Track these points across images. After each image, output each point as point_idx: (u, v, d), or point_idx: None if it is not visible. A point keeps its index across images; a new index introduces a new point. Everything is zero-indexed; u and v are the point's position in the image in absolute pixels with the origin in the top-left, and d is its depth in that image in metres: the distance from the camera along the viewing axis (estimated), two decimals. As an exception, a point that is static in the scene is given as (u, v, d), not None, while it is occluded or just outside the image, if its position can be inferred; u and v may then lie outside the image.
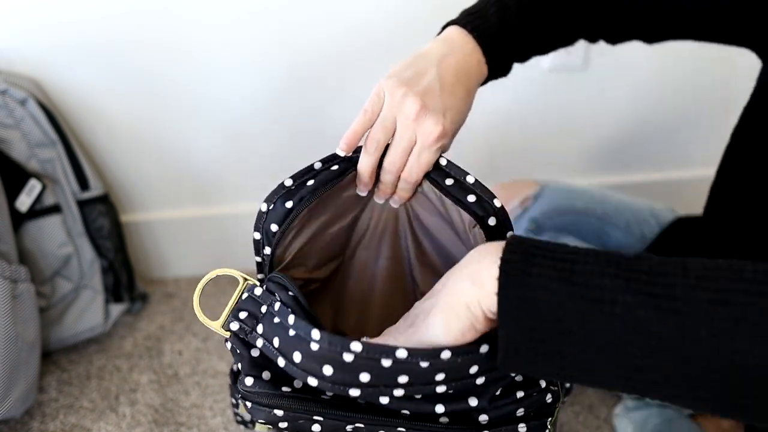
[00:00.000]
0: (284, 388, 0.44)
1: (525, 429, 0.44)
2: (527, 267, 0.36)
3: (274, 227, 0.49)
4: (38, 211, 0.92)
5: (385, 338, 0.44)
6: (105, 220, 0.98)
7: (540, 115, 1.06)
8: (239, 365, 0.46)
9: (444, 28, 0.58)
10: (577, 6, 0.63)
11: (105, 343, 1.02)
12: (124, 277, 1.02)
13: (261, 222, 0.50)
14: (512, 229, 0.49)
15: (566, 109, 1.06)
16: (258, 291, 0.47)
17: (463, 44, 0.55)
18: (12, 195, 0.88)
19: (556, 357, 0.36)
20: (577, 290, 0.35)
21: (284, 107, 0.99)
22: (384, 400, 0.41)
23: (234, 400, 0.68)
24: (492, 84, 0.62)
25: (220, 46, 0.92)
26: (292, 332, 0.42)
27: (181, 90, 0.96)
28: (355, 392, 0.40)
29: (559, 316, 0.35)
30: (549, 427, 0.47)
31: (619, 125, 1.10)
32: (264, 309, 0.45)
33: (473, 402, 0.43)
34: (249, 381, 0.45)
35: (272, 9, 0.90)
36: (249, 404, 0.44)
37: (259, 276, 0.52)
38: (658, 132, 1.11)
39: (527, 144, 1.09)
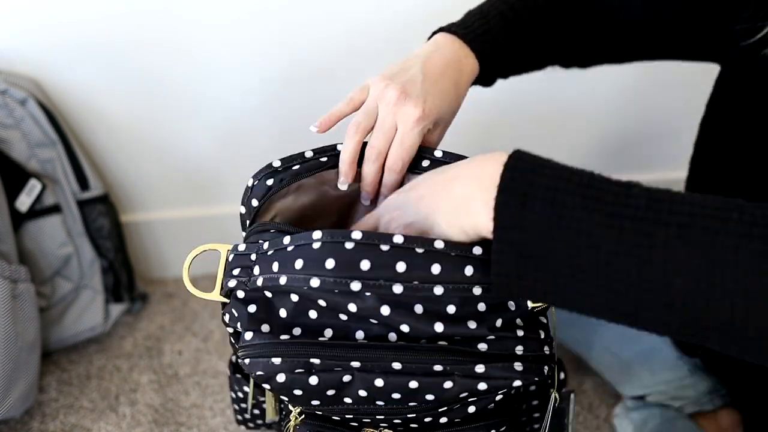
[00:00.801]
0: (283, 336, 0.45)
1: (521, 368, 0.44)
2: (521, 212, 0.38)
3: (254, 202, 0.51)
4: (38, 211, 0.92)
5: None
6: (105, 220, 0.98)
7: (539, 115, 1.06)
8: (238, 325, 0.47)
9: (431, 37, 0.61)
10: (548, 31, 0.65)
11: (105, 343, 1.02)
12: (124, 277, 1.02)
13: (246, 196, 0.52)
14: None
15: (564, 109, 1.06)
16: (242, 246, 0.48)
17: (449, 43, 0.58)
18: (12, 195, 0.88)
19: (544, 285, 0.39)
20: (564, 236, 0.37)
21: (284, 107, 0.99)
22: (385, 309, 0.43)
23: (234, 395, 0.68)
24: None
25: (220, 46, 0.92)
26: (290, 248, 0.44)
27: (181, 90, 0.96)
28: (356, 285, 0.41)
29: (548, 256, 0.38)
30: (554, 394, 0.48)
31: (617, 125, 1.10)
32: (254, 257, 0.46)
33: (472, 325, 0.44)
34: (248, 335, 0.46)
35: (272, 9, 0.90)
36: (247, 361, 0.45)
37: None
38: (656, 132, 1.11)
39: (526, 144, 1.09)
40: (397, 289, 0.41)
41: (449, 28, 0.60)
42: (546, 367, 0.45)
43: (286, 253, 0.44)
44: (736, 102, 0.63)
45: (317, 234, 0.42)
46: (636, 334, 0.82)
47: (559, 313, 0.88)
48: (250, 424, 0.73)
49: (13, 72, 0.92)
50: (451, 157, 0.52)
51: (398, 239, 0.41)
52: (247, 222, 0.52)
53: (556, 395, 0.50)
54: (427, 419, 0.49)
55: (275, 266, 0.44)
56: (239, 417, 0.72)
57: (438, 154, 0.52)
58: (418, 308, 0.44)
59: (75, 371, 0.97)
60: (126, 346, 1.02)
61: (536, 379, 0.45)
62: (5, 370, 0.79)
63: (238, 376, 0.65)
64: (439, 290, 0.41)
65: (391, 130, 0.52)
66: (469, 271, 0.42)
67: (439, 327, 0.44)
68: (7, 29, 0.88)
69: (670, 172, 1.16)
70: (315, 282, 0.41)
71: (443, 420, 0.49)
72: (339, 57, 0.95)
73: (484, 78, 0.62)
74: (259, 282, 0.44)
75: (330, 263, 0.41)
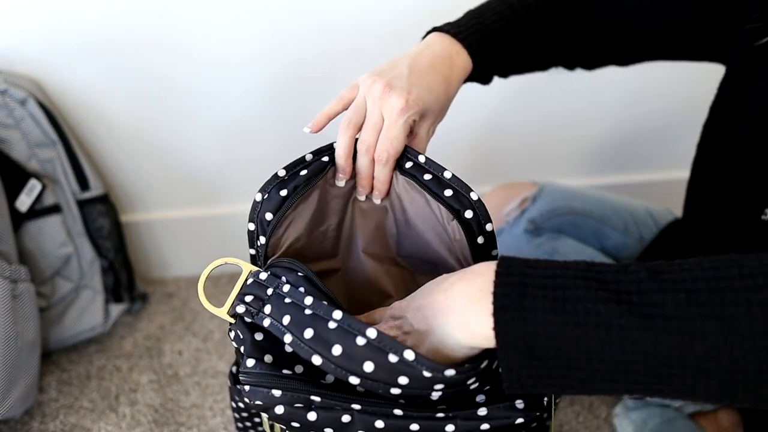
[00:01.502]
0: (285, 371, 0.45)
1: (523, 405, 0.44)
2: (522, 300, 0.36)
3: (268, 216, 0.50)
4: (38, 211, 0.92)
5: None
6: (105, 220, 0.98)
7: (539, 116, 1.06)
8: (242, 348, 0.46)
9: (425, 36, 0.61)
10: (551, 32, 0.65)
11: (105, 343, 1.02)
12: (124, 277, 1.02)
13: (255, 212, 0.51)
14: (490, 221, 0.50)
15: (565, 110, 1.06)
16: (263, 276, 0.47)
17: (440, 40, 0.59)
18: (12, 195, 0.88)
19: (559, 380, 0.37)
20: (572, 318, 0.35)
21: (284, 107, 0.99)
22: (395, 390, 0.42)
23: (234, 405, 0.68)
24: (491, 85, 0.62)
25: (220, 46, 0.92)
26: (308, 311, 0.43)
27: (181, 90, 0.96)
28: (354, 380, 0.41)
29: (558, 344, 0.36)
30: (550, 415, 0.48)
31: (617, 126, 1.10)
32: (270, 291, 0.46)
33: (473, 384, 0.44)
34: (250, 362, 0.45)
35: (272, 9, 0.90)
36: (247, 387, 0.45)
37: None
38: (656, 133, 1.11)
39: (526, 145, 1.09)
40: (395, 391, 0.41)
41: (442, 28, 0.60)
42: (546, 398, 0.45)
43: (300, 315, 0.43)
44: (743, 102, 0.63)
45: (337, 314, 0.42)
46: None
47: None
48: (251, 431, 0.72)
49: (13, 72, 0.92)
50: (432, 166, 0.52)
51: (409, 356, 0.40)
52: (260, 237, 0.51)
53: (553, 423, 0.49)
54: None
55: (286, 319, 0.44)
56: (239, 425, 0.72)
57: (421, 159, 0.52)
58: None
59: (75, 371, 0.97)
60: (126, 346, 1.02)
61: (537, 414, 0.44)
62: (5, 370, 0.79)
63: (239, 387, 0.65)
64: (436, 395, 0.41)
65: (379, 123, 0.53)
66: (472, 383, 0.42)
67: (435, 395, 0.43)
68: (7, 29, 0.88)
69: (671, 172, 1.16)
70: (317, 359, 0.41)
71: None
72: (339, 57, 0.95)
73: (480, 75, 0.62)
74: (266, 323, 0.44)
75: (336, 350, 0.41)
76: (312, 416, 0.45)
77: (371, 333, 0.41)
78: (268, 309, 0.45)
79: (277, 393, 0.44)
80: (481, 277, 0.39)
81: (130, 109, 0.97)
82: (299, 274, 0.47)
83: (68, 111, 0.97)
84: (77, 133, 0.99)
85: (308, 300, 0.44)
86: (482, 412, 0.43)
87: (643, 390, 0.36)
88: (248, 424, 0.70)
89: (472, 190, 0.50)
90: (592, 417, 0.89)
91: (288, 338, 0.43)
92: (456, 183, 0.50)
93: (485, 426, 0.44)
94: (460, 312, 0.40)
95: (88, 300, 0.97)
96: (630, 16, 0.66)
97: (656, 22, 0.66)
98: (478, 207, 0.50)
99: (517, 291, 0.37)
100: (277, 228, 0.51)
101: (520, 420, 0.44)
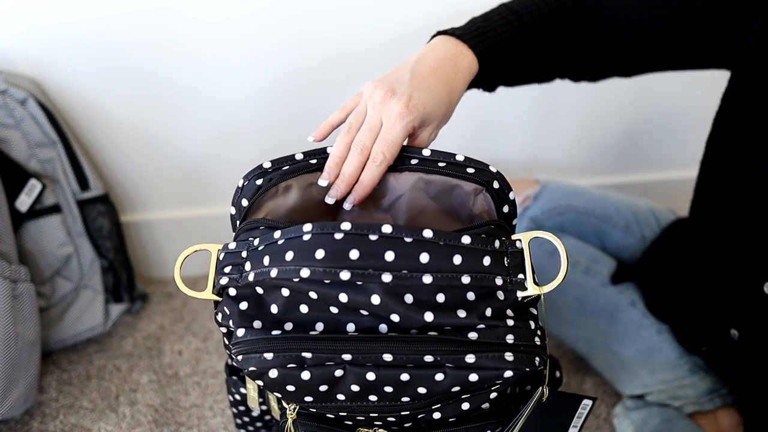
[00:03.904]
0: (274, 332, 0.46)
1: (512, 358, 0.44)
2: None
3: (244, 202, 0.52)
4: (38, 211, 0.92)
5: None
6: (105, 220, 0.98)
7: (540, 114, 1.06)
8: (230, 323, 0.47)
9: (430, 40, 0.61)
10: (556, 40, 0.65)
11: (105, 343, 1.02)
12: (124, 277, 1.02)
13: (236, 197, 0.52)
14: (511, 189, 0.52)
15: (566, 108, 1.06)
16: (232, 245, 0.48)
17: (444, 42, 0.59)
18: (12, 195, 0.88)
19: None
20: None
21: (285, 107, 0.99)
22: (375, 298, 0.43)
23: (231, 398, 0.68)
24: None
25: (220, 47, 0.92)
26: (281, 241, 0.45)
27: (180, 90, 0.96)
28: (345, 275, 0.42)
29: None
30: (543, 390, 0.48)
31: (619, 125, 1.10)
32: (245, 254, 0.47)
33: (462, 314, 0.44)
34: (241, 332, 0.46)
35: (273, 10, 0.90)
36: (240, 357, 0.45)
37: None
38: (658, 132, 1.11)
39: (528, 143, 1.09)
40: (386, 278, 0.42)
41: (446, 31, 0.60)
42: (537, 359, 0.45)
43: (276, 247, 0.44)
44: (751, 105, 0.62)
45: (307, 226, 0.43)
46: (636, 334, 0.82)
47: (560, 313, 0.88)
48: (250, 428, 0.72)
49: (13, 72, 0.92)
50: (440, 155, 0.52)
51: (387, 229, 0.42)
52: (237, 222, 0.53)
53: (545, 390, 0.50)
54: (421, 415, 0.49)
55: (266, 260, 0.44)
56: (238, 421, 0.72)
57: (426, 153, 0.53)
58: (408, 298, 0.44)
59: (75, 371, 0.97)
60: (126, 346, 1.02)
61: (527, 369, 0.44)
62: (5, 370, 0.79)
63: (235, 378, 0.65)
64: (427, 279, 0.42)
65: (377, 126, 0.53)
66: (457, 259, 0.43)
67: (429, 316, 0.44)
68: (7, 29, 0.88)
69: (671, 172, 1.16)
70: (305, 272, 0.42)
71: (437, 416, 0.49)
72: (339, 57, 0.95)
73: (485, 80, 0.62)
74: (251, 277, 0.45)
75: (320, 254, 0.42)
76: (306, 375, 0.45)
77: (345, 226, 0.43)
78: (248, 266, 0.46)
79: (269, 356, 0.45)
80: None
81: (131, 109, 0.97)
82: (260, 228, 0.48)
83: (68, 111, 0.97)
84: (77, 133, 0.99)
85: (277, 234, 0.45)
86: (470, 359, 0.44)
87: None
88: (246, 419, 0.70)
89: (489, 165, 0.52)
90: (593, 417, 0.89)
91: (274, 272, 0.43)
92: (472, 162, 0.52)
93: (474, 377, 0.44)
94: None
95: (88, 300, 0.97)
96: (631, 24, 0.66)
97: (658, 30, 0.66)
98: (500, 177, 0.51)
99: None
100: (252, 214, 0.52)
101: (509, 373, 0.44)
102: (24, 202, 0.89)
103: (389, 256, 0.42)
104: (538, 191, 0.92)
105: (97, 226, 0.97)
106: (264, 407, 0.66)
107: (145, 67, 0.93)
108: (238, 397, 0.67)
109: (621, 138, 1.11)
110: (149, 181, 1.06)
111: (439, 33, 0.61)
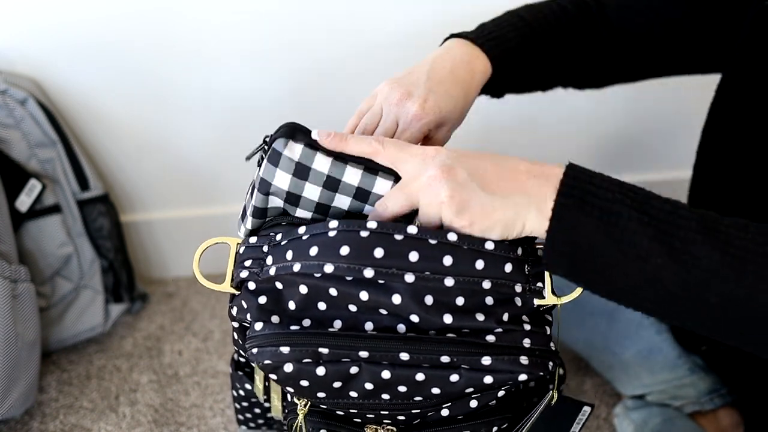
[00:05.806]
0: (292, 327, 0.46)
1: (527, 362, 0.44)
2: (578, 216, 0.41)
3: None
4: (38, 211, 0.92)
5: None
6: (105, 220, 0.98)
7: (541, 114, 1.06)
8: (247, 316, 0.47)
9: (443, 43, 0.61)
10: (562, 46, 0.66)
11: (105, 343, 1.02)
12: (124, 277, 1.02)
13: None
14: None
15: (567, 109, 1.06)
16: (253, 239, 0.48)
17: (460, 45, 0.58)
18: (12, 195, 0.88)
19: (587, 279, 0.43)
20: (617, 244, 0.40)
21: (285, 107, 0.99)
22: (396, 298, 0.43)
23: (235, 393, 0.68)
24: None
25: (221, 47, 0.92)
26: (306, 236, 0.45)
27: (181, 90, 0.96)
28: (369, 272, 0.42)
29: (598, 260, 0.41)
30: (553, 391, 0.49)
31: (619, 125, 1.10)
32: (266, 248, 0.47)
33: (480, 317, 0.44)
34: (258, 326, 0.46)
35: (273, 9, 0.90)
36: (255, 350, 0.45)
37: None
38: (658, 132, 1.11)
39: (529, 144, 1.09)
40: (409, 278, 0.42)
41: (461, 34, 0.60)
42: (551, 363, 0.45)
43: (300, 242, 0.45)
44: (741, 105, 0.63)
45: (333, 223, 0.44)
46: (636, 334, 0.82)
47: (561, 313, 0.88)
48: (251, 424, 0.72)
49: (13, 72, 0.92)
50: None
51: (412, 229, 0.43)
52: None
53: (555, 393, 0.50)
54: (430, 413, 0.49)
55: (289, 254, 0.45)
56: (240, 417, 0.72)
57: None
58: (428, 299, 0.44)
59: (75, 371, 0.97)
60: (126, 346, 1.02)
61: (541, 374, 0.45)
62: (5, 370, 0.79)
63: (240, 373, 0.65)
64: (449, 282, 0.42)
65: (392, 127, 0.53)
66: (479, 264, 0.43)
67: (447, 318, 0.44)
68: (7, 29, 0.88)
69: (671, 172, 1.16)
70: (329, 267, 0.42)
71: (445, 413, 0.49)
72: (340, 57, 0.95)
73: (496, 85, 0.62)
74: (272, 271, 0.45)
75: (345, 250, 0.42)
76: (321, 371, 0.45)
77: (371, 224, 0.43)
78: (269, 260, 0.46)
79: (285, 350, 0.45)
80: (548, 182, 0.43)
81: (131, 109, 0.97)
82: (283, 224, 0.48)
83: (68, 111, 0.97)
84: (77, 133, 0.99)
85: (302, 229, 0.45)
86: (486, 361, 0.44)
87: (657, 315, 0.43)
88: (249, 415, 0.70)
89: None
90: (593, 417, 0.89)
91: (297, 267, 0.43)
92: None
93: (489, 379, 0.44)
94: (522, 207, 0.43)
95: (88, 300, 0.97)
96: (634, 16, 0.66)
97: (657, 31, 0.66)
98: None
99: (576, 206, 0.41)
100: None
101: (523, 377, 0.44)
102: (24, 202, 0.89)
103: (413, 256, 0.42)
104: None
105: (97, 226, 0.97)
106: (267, 404, 0.66)
107: (145, 67, 0.93)
108: (242, 392, 0.67)
109: (621, 138, 1.11)
110: (149, 181, 1.06)
111: (452, 36, 0.60)
